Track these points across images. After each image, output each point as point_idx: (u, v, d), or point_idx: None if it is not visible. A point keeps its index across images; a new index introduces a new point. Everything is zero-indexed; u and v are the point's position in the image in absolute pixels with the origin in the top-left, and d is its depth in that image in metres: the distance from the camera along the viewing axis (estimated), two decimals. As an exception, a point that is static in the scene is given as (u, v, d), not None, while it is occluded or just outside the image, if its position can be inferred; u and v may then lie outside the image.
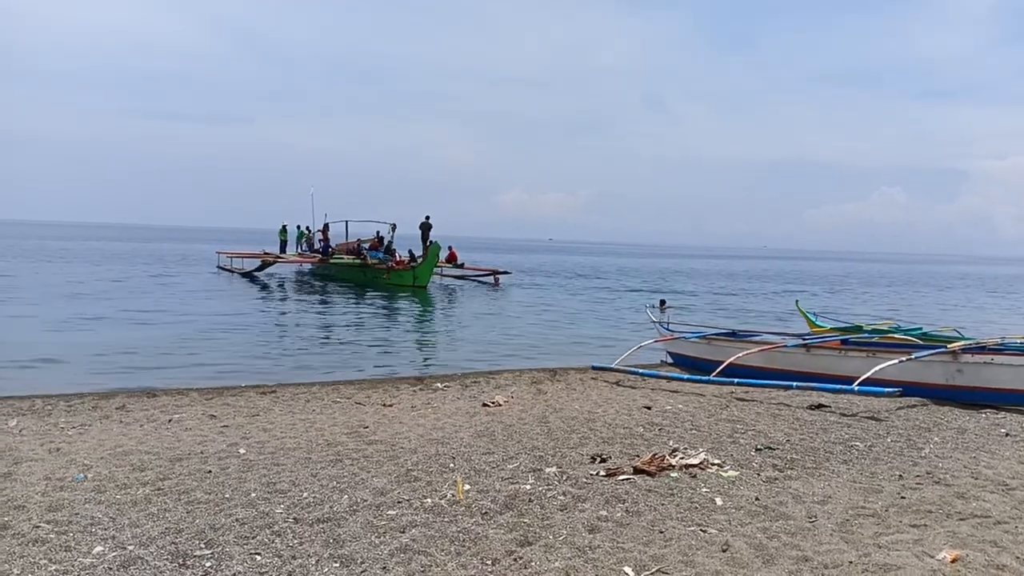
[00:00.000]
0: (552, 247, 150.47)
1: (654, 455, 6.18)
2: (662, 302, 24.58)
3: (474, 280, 34.87)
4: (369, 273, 30.42)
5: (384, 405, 8.89)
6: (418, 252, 30.78)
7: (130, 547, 4.30)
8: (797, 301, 18.16)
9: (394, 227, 33.24)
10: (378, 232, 33.54)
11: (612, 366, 11.47)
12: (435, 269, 31.01)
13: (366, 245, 32.62)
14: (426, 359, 13.88)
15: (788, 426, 7.79)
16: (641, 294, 29.91)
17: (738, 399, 9.30)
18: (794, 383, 9.44)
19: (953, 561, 4.27)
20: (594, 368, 11.76)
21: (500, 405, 8.79)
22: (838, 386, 9.09)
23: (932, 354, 9.63)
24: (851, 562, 4.25)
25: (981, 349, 9.71)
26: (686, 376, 10.75)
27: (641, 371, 11.09)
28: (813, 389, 9.26)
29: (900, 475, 6.06)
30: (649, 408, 8.63)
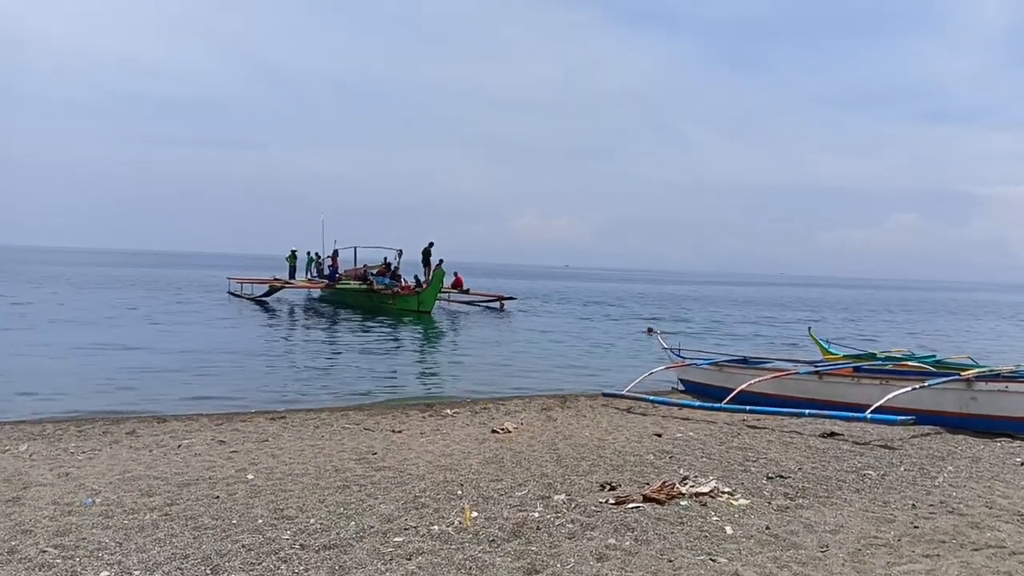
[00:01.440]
0: (568, 273, 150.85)
1: (664, 483, 6.14)
2: (650, 329, 24.92)
3: (479, 305, 35.07)
4: (375, 298, 30.67)
5: (393, 431, 8.87)
6: (423, 278, 31.06)
7: (136, 572, 4.30)
8: (810, 328, 18.08)
9: (400, 253, 33.64)
10: (385, 258, 33.81)
11: (623, 392, 11.45)
12: (441, 294, 31.18)
13: (374, 271, 32.89)
14: (435, 385, 13.87)
15: (800, 454, 7.73)
16: (654, 321, 29.81)
17: (749, 426, 9.24)
18: (806, 410, 9.39)
19: (967, 592, 4.21)
20: (604, 395, 11.74)
21: (509, 432, 8.75)
22: (851, 414, 9.02)
23: (946, 382, 9.55)
24: (863, 593, 4.20)
25: (996, 377, 9.62)
26: (697, 403, 10.71)
27: (652, 398, 11.05)
28: (825, 417, 9.20)
29: (913, 504, 6.00)
30: (660, 435, 8.59)
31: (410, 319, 26.87)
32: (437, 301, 30.01)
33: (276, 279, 34.73)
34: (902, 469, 7.19)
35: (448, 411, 10.52)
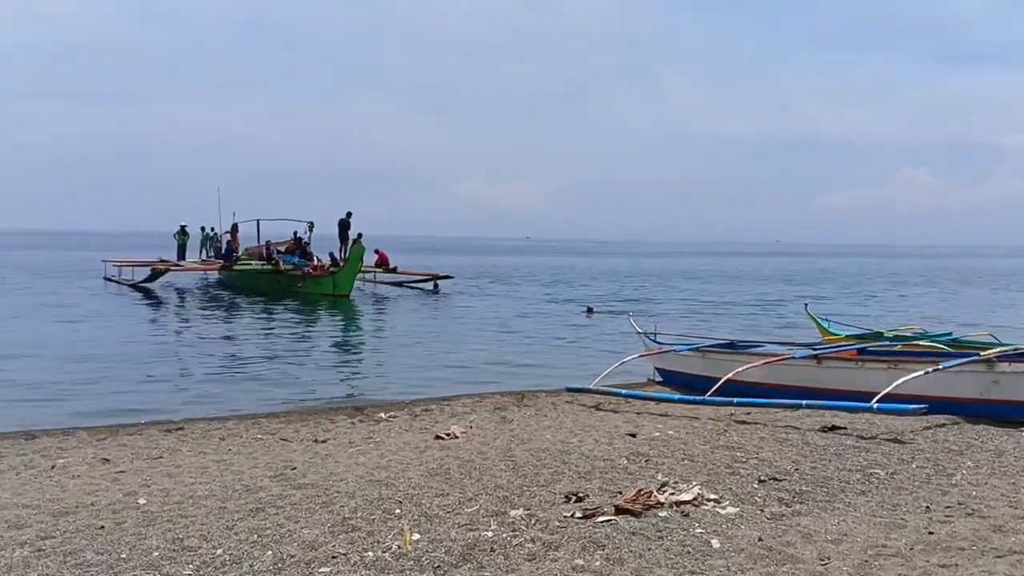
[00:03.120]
0: (528, 247, 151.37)
1: (639, 491, 6.25)
2: (589, 309, 25.87)
3: (411, 286, 35.30)
4: (282, 281, 30.68)
5: (316, 441, 8.89)
6: (339, 255, 31.03)
7: (4, 622, 4.26)
8: (807, 305, 18.42)
9: (311, 226, 33.44)
10: (295, 232, 33.64)
11: (590, 387, 11.58)
12: (363, 274, 31.29)
13: (280, 248, 32.76)
14: (365, 384, 13.90)
15: (797, 452, 7.91)
16: (628, 303, 29.97)
17: (738, 422, 9.42)
18: (803, 401, 9.60)
19: (987, 605, 4.39)
20: (569, 390, 11.88)
21: (456, 437, 8.83)
22: (854, 404, 9.24)
23: (963, 363, 9.81)
24: (870, 610, 4.36)
25: (1020, 356, 9.93)
26: (677, 396, 10.91)
27: (624, 392, 11.21)
28: (825, 408, 9.40)
29: (927, 507, 6.20)
30: (634, 435, 8.72)
31: (325, 305, 26.96)
32: (357, 282, 30.17)
33: (162, 261, 34.31)
34: (914, 466, 7.41)
35: (382, 415, 10.57)
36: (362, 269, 30.69)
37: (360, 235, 30.49)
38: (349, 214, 32.87)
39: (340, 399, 12.31)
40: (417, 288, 34.92)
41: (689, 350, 12.58)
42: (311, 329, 21.47)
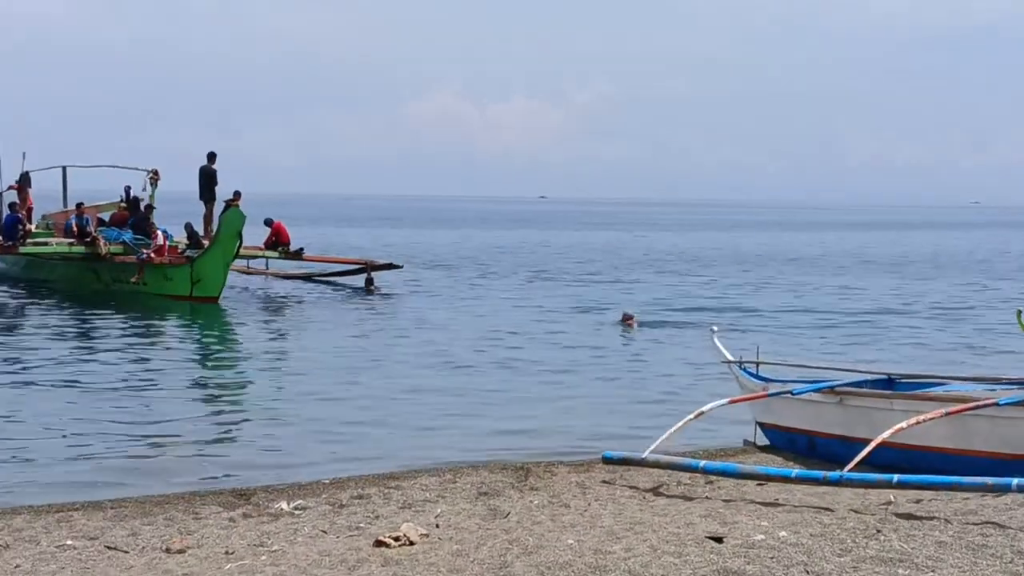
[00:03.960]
0: (541, 214, 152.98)
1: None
2: (627, 317, 25.70)
3: (328, 282, 36.32)
4: (105, 273, 31.29)
5: (168, 551, 8.88)
6: (201, 229, 31.12)
7: None
8: (1020, 312, 18.27)
9: (155, 177, 33.43)
10: (127, 189, 33.73)
11: (643, 455, 11.59)
12: (247, 261, 32.98)
13: (104, 215, 32.90)
14: (254, 452, 13.91)
15: (1002, 568, 7.70)
16: (701, 312, 29.77)
17: (901, 516, 9.27)
18: (1014, 480, 9.43)
19: None
20: (607, 460, 11.93)
21: (412, 543, 8.74)
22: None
23: None
24: None
25: None
26: (795, 472, 10.89)
27: (702, 463, 11.24)
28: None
29: None
30: (720, 540, 8.55)
31: (178, 314, 27.55)
32: (233, 275, 30.86)
33: None
34: None
35: (283, 505, 10.56)
36: (242, 252, 30.88)
37: (238, 194, 30.48)
38: (213, 156, 33.26)
39: (209, 478, 12.34)
40: (339, 285, 35.37)
41: (816, 391, 12.58)
42: (156, 356, 21.49)
